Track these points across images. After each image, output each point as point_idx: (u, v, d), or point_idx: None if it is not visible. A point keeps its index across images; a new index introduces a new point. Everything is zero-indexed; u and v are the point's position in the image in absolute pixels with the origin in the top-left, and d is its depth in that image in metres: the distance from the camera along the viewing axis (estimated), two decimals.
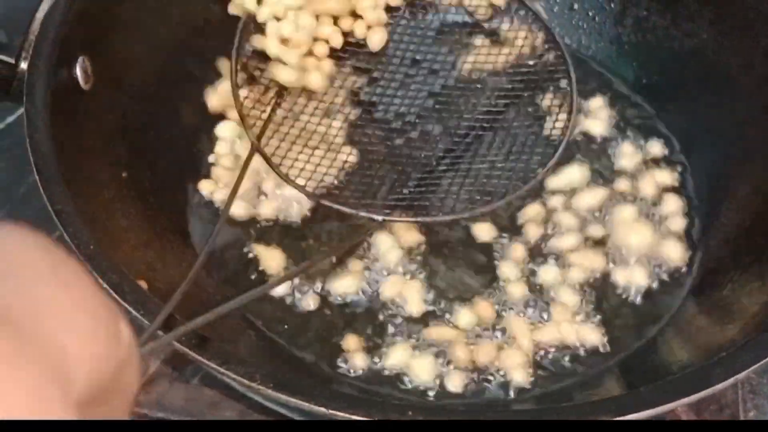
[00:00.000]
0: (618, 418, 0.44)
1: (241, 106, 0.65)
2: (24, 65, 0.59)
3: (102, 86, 0.62)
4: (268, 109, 0.68)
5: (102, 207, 0.58)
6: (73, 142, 0.58)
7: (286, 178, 0.63)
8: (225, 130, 0.71)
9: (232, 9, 0.69)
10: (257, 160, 0.64)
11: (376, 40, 0.72)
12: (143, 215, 0.62)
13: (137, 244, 0.60)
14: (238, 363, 0.46)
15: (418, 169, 0.69)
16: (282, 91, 0.70)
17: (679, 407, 0.57)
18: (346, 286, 0.65)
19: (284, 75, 0.69)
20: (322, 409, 0.44)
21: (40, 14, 0.61)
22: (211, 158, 0.70)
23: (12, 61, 0.60)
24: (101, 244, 0.51)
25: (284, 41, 0.68)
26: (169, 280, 0.59)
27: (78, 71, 0.60)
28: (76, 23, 0.61)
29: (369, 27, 0.72)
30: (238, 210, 0.67)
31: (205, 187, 0.69)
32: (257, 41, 0.69)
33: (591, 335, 0.63)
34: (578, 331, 0.63)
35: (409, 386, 0.60)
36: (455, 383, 0.60)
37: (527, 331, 0.63)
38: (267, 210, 0.68)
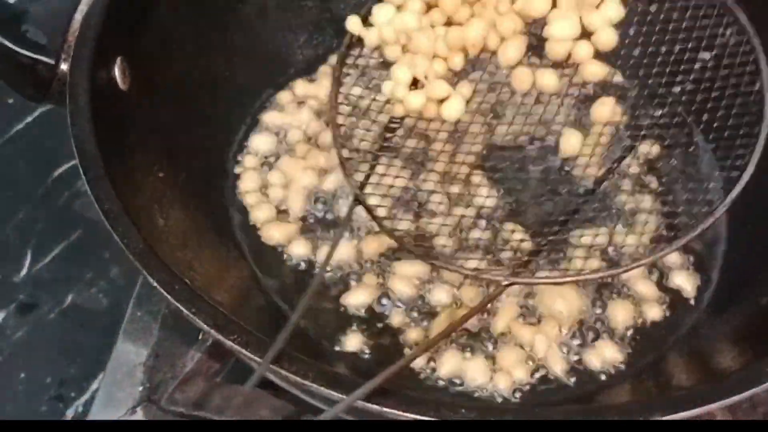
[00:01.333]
0: (667, 417, 0.44)
1: (340, 148, 0.59)
2: (64, 66, 0.60)
3: (138, 87, 0.63)
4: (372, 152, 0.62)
5: (141, 207, 0.59)
6: (113, 142, 0.58)
7: (394, 238, 0.58)
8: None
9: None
10: None
11: (511, 54, 0.61)
12: (180, 215, 0.63)
13: (176, 244, 0.60)
14: (290, 361, 0.46)
15: (557, 210, 0.66)
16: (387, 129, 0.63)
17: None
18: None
19: (415, 101, 0.61)
20: (375, 407, 0.45)
21: (78, 16, 0.61)
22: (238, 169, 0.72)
23: (52, 62, 0.60)
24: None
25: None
26: (208, 279, 0.59)
27: (116, 72, 0.61)
28: (113, 25, 0.61)
29: (503, 38, 0.62)
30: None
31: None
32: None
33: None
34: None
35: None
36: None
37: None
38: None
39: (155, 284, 0.49)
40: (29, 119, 0.99)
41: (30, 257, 0.88)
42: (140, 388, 0.65)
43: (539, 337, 0.62)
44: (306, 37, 0.78)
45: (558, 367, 0.62)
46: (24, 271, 0.86)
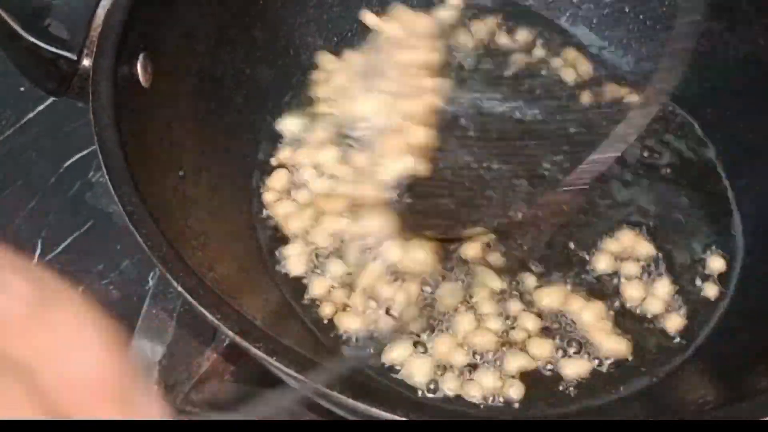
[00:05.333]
0: None
1: None
2: (86, 62, 0.59)
3: (160, 83, 0.62)
4: None
5: (163, 207, 0.58)
6: (135, 141, 0.58)
7: None
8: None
9: None
10: None
11: None
12: (201, 214, 0.62)
13: (196, 244, 0.60)
14: (316, 370, 0.45)
15: None
16: None
17: None
18: None
19: None
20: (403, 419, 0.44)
21: (100, 11, 0.60)
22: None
23: (74, 57, 0.59)
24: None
25: None
26: (228, 280, 0.59)
27: (139, 68, 0.60)
28: (136, 20, 0.61)
29: None
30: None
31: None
32: None
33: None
34: None
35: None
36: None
37: None
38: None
39: (180, 289, 0.48)
40: (41, 107, 0.98)
41: (40, 248, 0.87)
42: (156, 388, 0.64)
43: (400, 295, 0.64)
44: (327, 34, 0.78)
45: (416, 325, 0.63)
46: (34, 262, 0.86)
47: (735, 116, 0.72)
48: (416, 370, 0.62)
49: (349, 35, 0.78)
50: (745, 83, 0.72)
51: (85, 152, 0.94)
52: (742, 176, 0.72)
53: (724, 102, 0.73)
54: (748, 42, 0.71)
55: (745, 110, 0.71)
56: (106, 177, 0.53)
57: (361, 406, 0.44)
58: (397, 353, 0.63)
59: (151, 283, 0.82)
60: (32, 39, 0.58)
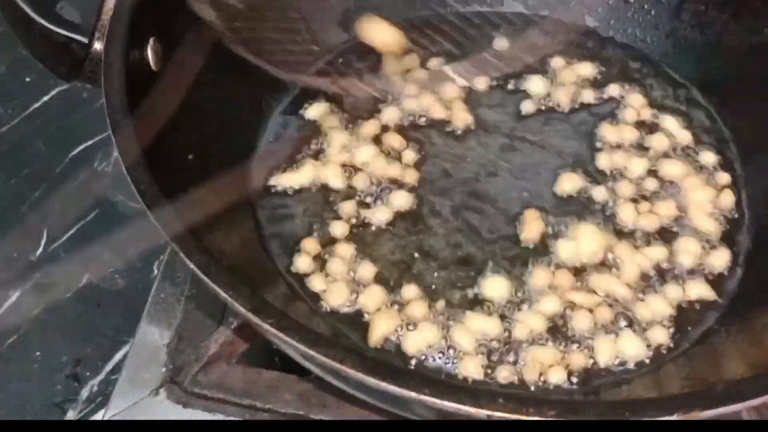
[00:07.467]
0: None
1: None
2: (97, 45, 0.60)
3: (169, 68, 0.63)
4: None
5: (173, 188, 0.58)
6: (146, 124, 0.58)
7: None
8: None
9: None
10: None
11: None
12: (209, 197, 0.62)
13: (206, 228, 0.60)
14: (328, 345, 0.46)
15: None
16: None
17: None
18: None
19: None
20: (413, 394, 0.44)
21: None
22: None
23: (86, 41, 0.60)
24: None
25: None
26: (236, 262, 0.59)
27: (149, 53, 0.61)
28: (147, 4, 0.61)
29: None
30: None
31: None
32: None
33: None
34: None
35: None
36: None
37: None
38: None
39: (192, 266, 0.48)
40: (46, 98, 0.99)
41: (46, 236, 0.88)
42: (164, 370, 0.65)
43: None
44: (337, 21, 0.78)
45: None
46: (40, 250, 0.87)
47: (740, 106, 0.72)
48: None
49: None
50: (752, 73, 0.71)
51: (90, 142, 0.95)
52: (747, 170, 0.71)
53: (730, 91, 0.72)
54: (755, 33, 0.71)
55: (752, 99, 0.71)
56: (119, 158, 0.53)
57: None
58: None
59: (156, 271, 0.83)
60: (44, 23, 0.59)
